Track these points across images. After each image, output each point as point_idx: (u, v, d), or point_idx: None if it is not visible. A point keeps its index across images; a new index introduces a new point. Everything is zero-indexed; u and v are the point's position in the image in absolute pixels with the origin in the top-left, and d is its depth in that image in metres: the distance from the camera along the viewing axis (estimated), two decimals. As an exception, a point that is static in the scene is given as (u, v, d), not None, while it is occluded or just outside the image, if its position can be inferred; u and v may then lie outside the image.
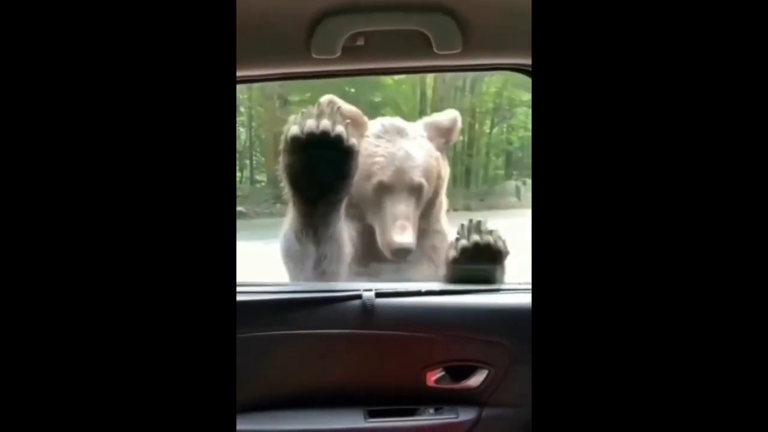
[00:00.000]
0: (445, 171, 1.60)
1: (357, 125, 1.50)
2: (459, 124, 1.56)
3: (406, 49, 1.05)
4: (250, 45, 1.02)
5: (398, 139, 1.49)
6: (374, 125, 1.55)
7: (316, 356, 1.13)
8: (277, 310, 1.13)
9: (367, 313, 1.12)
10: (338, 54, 1.02)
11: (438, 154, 1.55)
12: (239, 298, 1.12)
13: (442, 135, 1.56)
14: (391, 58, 1.11)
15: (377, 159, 1.47)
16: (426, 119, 1.59)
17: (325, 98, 1.23)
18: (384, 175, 1.45)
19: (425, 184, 1.47)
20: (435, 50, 1.02)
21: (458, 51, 1.03)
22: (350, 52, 1.03)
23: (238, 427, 1.09)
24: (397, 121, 1.56)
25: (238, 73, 1.07)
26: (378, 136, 1.50)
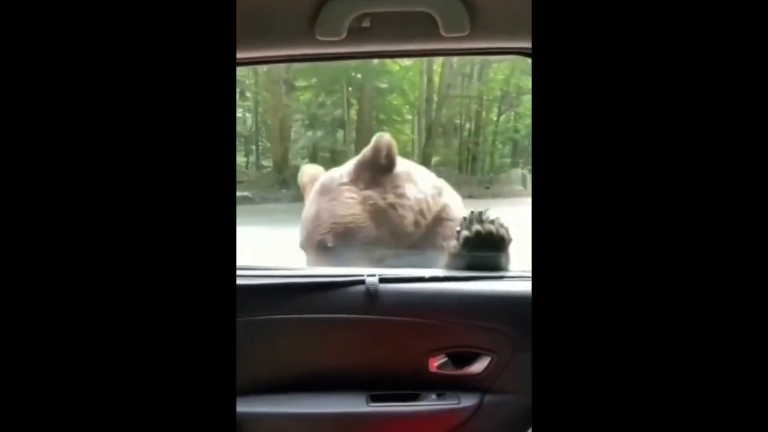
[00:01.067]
0: (404, 198, 1.49)
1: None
2: (383, 146, 1.46)
3: (413, 31, 1.04)
4: (254, 26, 1.01)
5: (319, 197, 1.52)
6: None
7: (319, 340, 1.14)
8: (281, 295, 1.14)
9: (371, 298, 1.12)
10: (343, 36, 1.01)
11: (368, 192, 1.48)
12: (243, 281, 1.12)
13: (368, 169, 1.49)
14: (397, 41, 1.10)
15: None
16: (355, 158, 1.53)
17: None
18: (301, 238, 1.52)
19: (328, 240, 1.46)
20: (442, 33, 1.01)
21: (466, 34, 1.01)
22: (356, 34, 1.02)
23: (242, 409, 1.10)
24: (329, 175, 1.54)
25: (242, 55, 1.06)
26: (312, 200, 1.54)
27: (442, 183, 1.61)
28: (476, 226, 1.22)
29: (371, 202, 1.49)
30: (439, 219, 1.53)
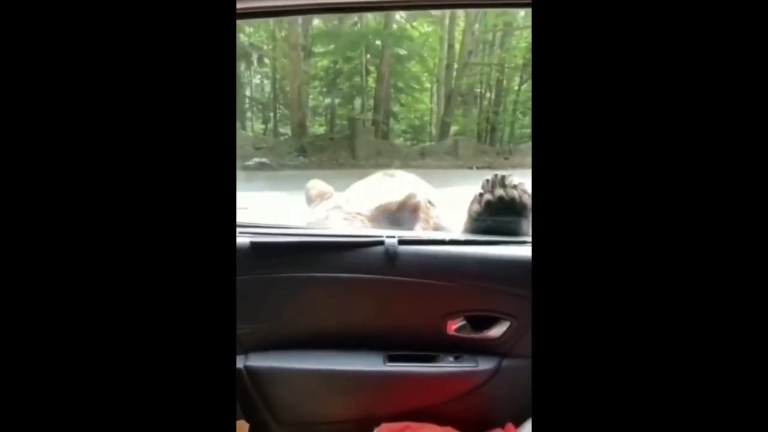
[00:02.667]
0: None
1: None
2: (410, 205, 1.41)
3: None
4: None
5: (332, 209, 1.48)
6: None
7: (339, 299, 1.14)
8: (302, 253, 1.14)
9: (390, 259, 1.12)
10: None
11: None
12: (265, 239, 1.13)
13: (390, 214, 1.45)
14: None
15: None
16: (382, 202, 1.48)
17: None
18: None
19: None
20: None
21: None
22: None
23: (261, 364, 1.12)
24: (345, 199, 1.52)
25: (272, 3, 1.02)
26: (322, 209, 1.51)
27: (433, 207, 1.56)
28: (499, 191, 1.19)
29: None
30: None
